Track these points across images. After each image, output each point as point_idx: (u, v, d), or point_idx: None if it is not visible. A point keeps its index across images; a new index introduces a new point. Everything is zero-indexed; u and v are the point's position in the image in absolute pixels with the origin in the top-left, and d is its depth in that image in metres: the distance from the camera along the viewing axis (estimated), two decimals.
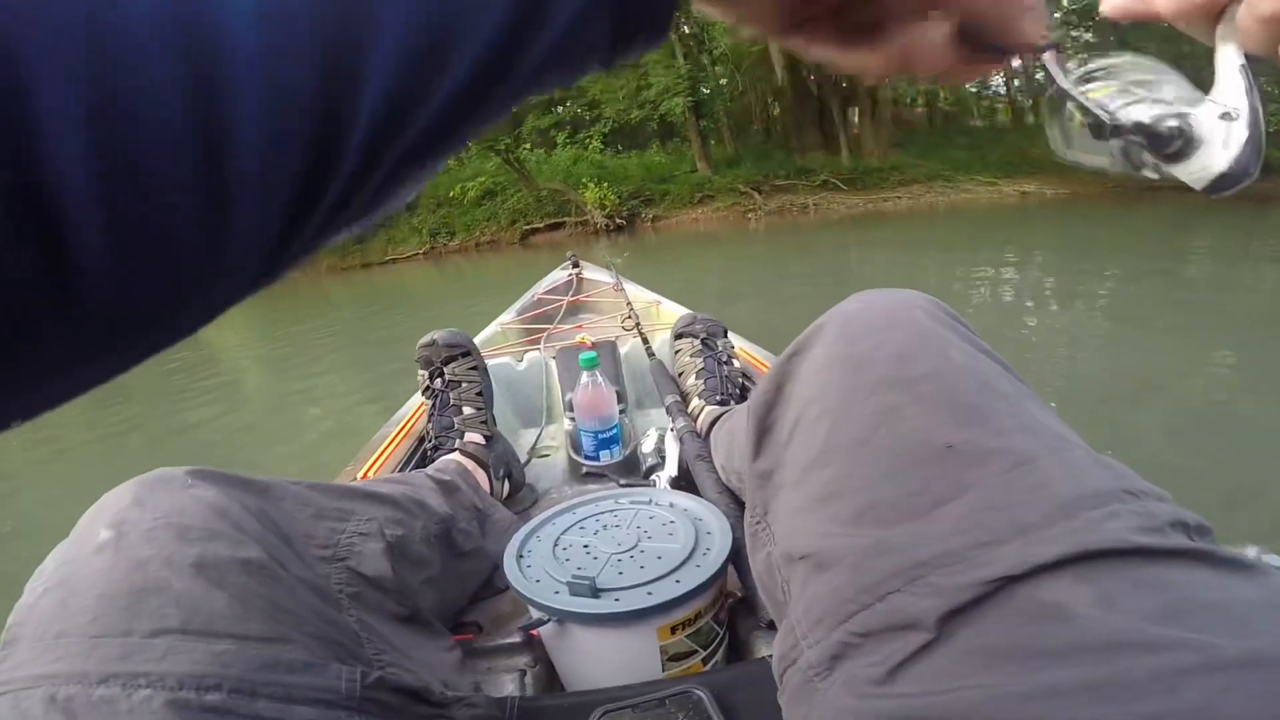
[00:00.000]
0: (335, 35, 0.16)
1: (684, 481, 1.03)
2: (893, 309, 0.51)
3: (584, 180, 15.60)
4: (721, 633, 0.71)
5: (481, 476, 1.05)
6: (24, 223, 0.13)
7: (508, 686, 0.71)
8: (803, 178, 14.86)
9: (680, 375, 1.31)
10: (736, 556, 0.70)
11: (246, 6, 0.15)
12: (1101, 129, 0.33)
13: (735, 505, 0.83)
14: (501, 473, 1.11)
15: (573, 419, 1.26)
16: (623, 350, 1.63)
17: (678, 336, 1.36)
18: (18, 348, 0.14)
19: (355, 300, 10.89)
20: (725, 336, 1.35)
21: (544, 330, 2.03)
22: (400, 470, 1.19)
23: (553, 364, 1.62)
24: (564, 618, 0.66)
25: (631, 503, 0.81)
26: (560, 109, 18.27)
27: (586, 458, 1.23)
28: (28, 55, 0.12)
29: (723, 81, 16.36)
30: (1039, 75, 0.37)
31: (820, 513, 0.44)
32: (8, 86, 0.12)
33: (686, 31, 15.10)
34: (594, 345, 1.52)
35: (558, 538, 0.75)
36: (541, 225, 15.80)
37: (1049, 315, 4.87)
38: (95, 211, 0.14)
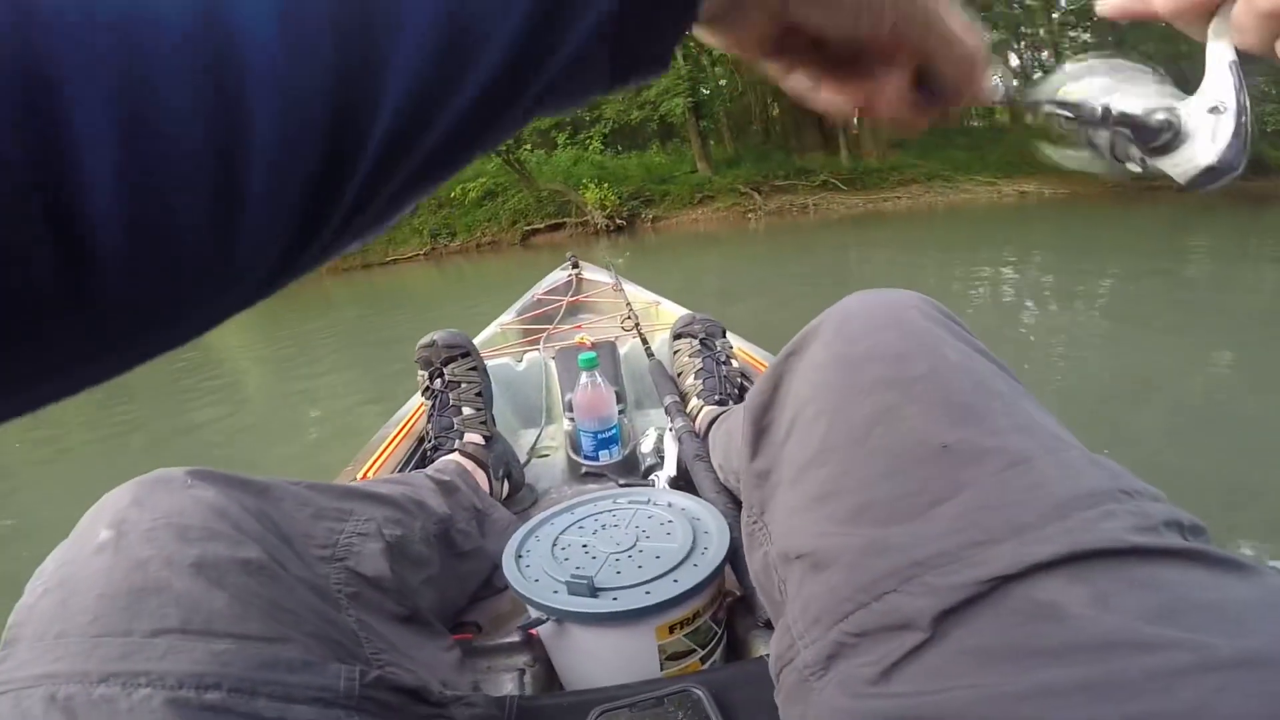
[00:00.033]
0: (354, 53, 0.17)
1: (683, 481, 1.03)
2: (889, 309, 0.51)
3: (584, 181, 15.61)
4: (719, 632, 0.71)
5: (481, 477, 1.05)
6: (49, 230, 0.13)
7: (507, 686, 0.71)
8: (802, 178, 14.86)
9: (679, 375, 1.31)
10: (734, 556, 0.70)
11: (268, 29, 0.15)
12: (1090, 121, 0.34)
13: (733, 505, 0.84)
14: (501, 473, 1.11)
15: (572, 419, 1.26)
16: (622, 350, 1.64)
17: (676, 337, 1.36)
18: (27, 346, 0.15)
19: (356, 301, 10.89)
20: (724, 337, 1.35)
21: (543, 331, 2.03)
22: (400, 470, 1.19)
23: (552, 364, 1.62)
24: (562, 617, 0.66)
25: (630, 502, 0.81)
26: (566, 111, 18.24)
27: (586, 458, 1.23)
28: (65, 79, 0.13)
29: (722, 82, 16.37)
30: (1019, 81, 0.38)
31: (816, 512, 0.45)
32: (46, 110, 0.13)
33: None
34: (593, 346, 1.53)
35: (556, 537, 0.76)
36: (542, 226, 15.81)
37: (1048, 315, 4.87)
38: (117, 220, 0.14)
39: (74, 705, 0.39)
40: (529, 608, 0.69)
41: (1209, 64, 0.31)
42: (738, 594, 0.77)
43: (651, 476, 1.11)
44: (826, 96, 0.37)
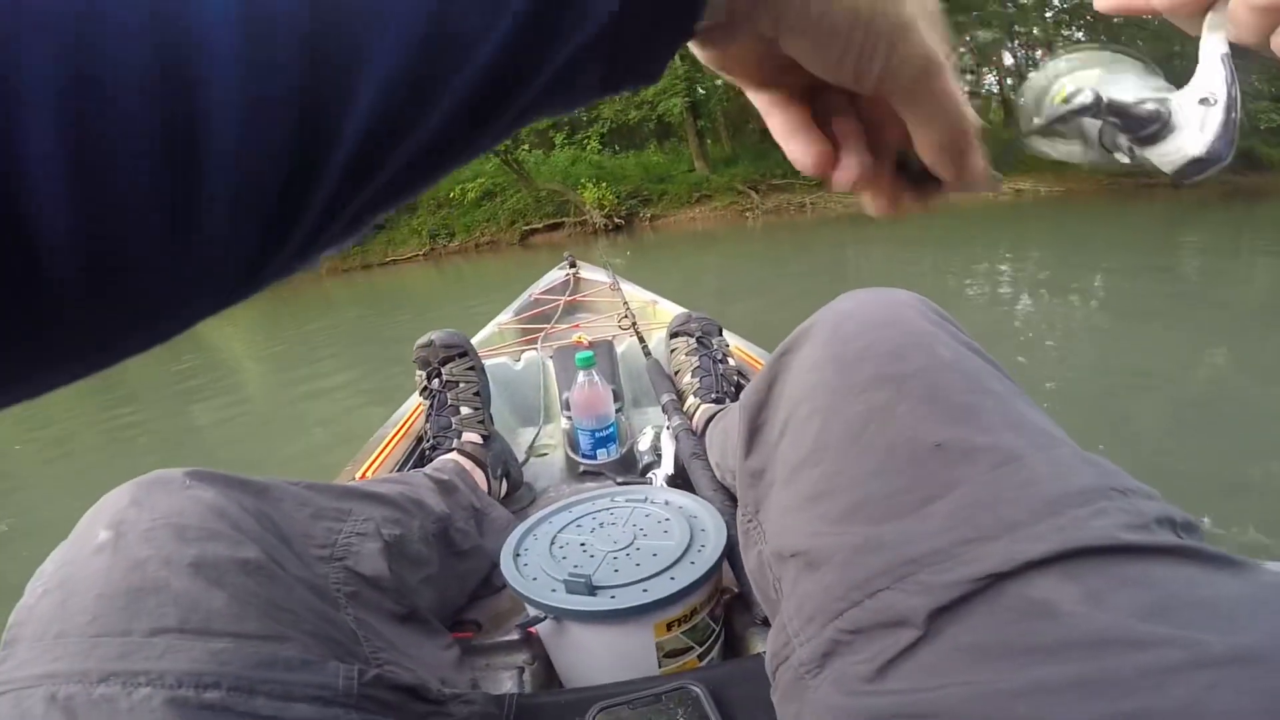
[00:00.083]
0: (324, 59, 0.16)
1: (680, 479, 1.03)
2: (883, 308, 0.51)
3: (582, 180, 15.60)
4: (717, 629, 0.72)
5: (479, 476, 1.05)
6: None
7: (506, 684, 0.71)
8: (799, 176, 14.69)
9: (676, 374, 1.31)
10: (732, 553, 0.70)
11: (227, 32, 0.15)
12: (1080, 110, 0.34)
13: (730, 502, 0.84)
14: (499, 472, 1.12)
15: (569, 418, 1.26)
16: (619, 349, 1.64)
17: (673, 335, 1.37)
18: None
19: (357, 301, 10.90)
20: (720, 335, 1.35)
21: (541, 330, 2.03)
22: (398, 470, 1.19)
23: (550, 363, 1.62)
24: (561, 615, 0.66)
25: (627, 501, 0.81)
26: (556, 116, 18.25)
27: (584, 456, 1.23)
28: (17, 101, 0.13)
29: (719, 81, 16.35)
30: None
31: (810, 511, 0.45)
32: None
33: None
34: (591, 345, 1.53)
35: (554, 536, 0.76)
36: (540, 226, 15.80)
37: (1044, 311, 4.88)
38: (69, 233, 0.14)
39: (74, 705, 0.39)
40: (527, 606, 0.69)
41: (1202, 56, 0.31)
42: (735, 591, 0.77)
43: (649, 475, 1.12)
44: (798, 147, 0.33)
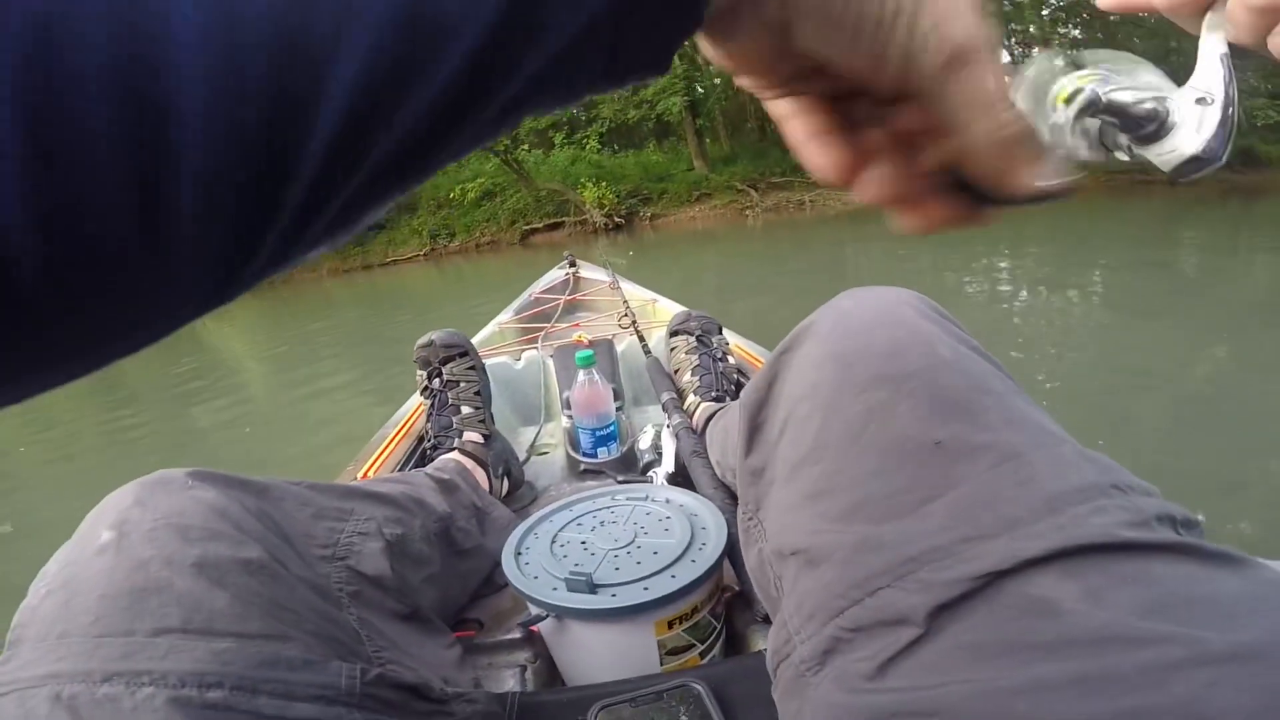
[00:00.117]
0: (292, 54, 0.15)
1: (680, 477, 1.03)
2: (882, 306, 0.51)
3: (582, 180, 15.60)
4: (718, 627, 0.72)
5: (480, 475, 1.05)
6: None
7: (509, 682, 0.71)
8: (798, 175, 14.80)
9: (676, 372, 1.31)
10: (732, 551, 0.70)
11: (190, 15, 0.14)
12: (1083, 110, 0.34)
13: (731, 501, 0.84)
14: (500, 471, 1.12)
15: (570, 417, 1.26)
16: (619, 348, 1.64)
17: (673, 334, 1.37)
18: None
19: (358, 302, 10.91)
20: (720, 333, 1.35)
21: (541, 329, 2.03)
22: (400, 470, 1.19)
23: (550, 362, 1.62)
24: (562, 614, 0.67)
25: (628, 499, 0.81)
26: (557, 109, 18.26)
27: (584, 455, 1.23)
28: None
29: (717, 80, 16.36)
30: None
31: (811, 509, 0.45)
32: None
33: None
34: (591, 343, 1.53)
35: (555, 534, 0.76)
36: (541, 225, 15.81)
37: (1043, 307, 4.88)
38: (33, 246, 0.13)
39: (78, 705, 0.39)
40: (529, 604, 0.69)
41: (1201, 55, 0.31)
42: (736, 589, 0.77)
43: (649, 473, 1.12)
44: (816, 153, 0.30)
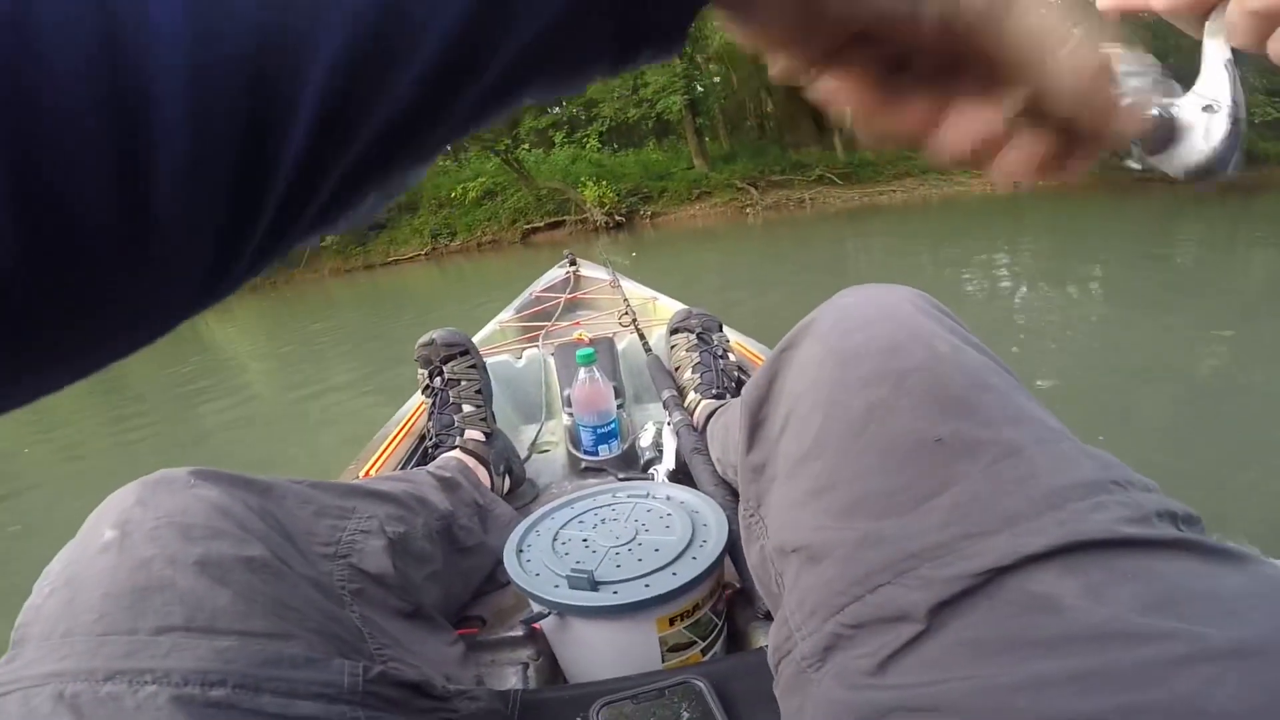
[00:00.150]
0: (270, 41, 0.15)
1: (681, 475, 1.03)
2: (882, 303, 0.51)
3: (583, 179, 15.61)
4: (720, 623, 0.72)
5: (482, 473, 1.05)
6: None
7: (511, 679, 0.71)
8: (798, 172, 14.86)
9: (676, 370, 1.31)
10: (734, 548, 0.70)
11: (173, 33, 0.14)
12: None
13: (732, 498, 0.84)
14: (502, 469, 1.12)
15: (571, 414, 1.26)
16: (620, 346, 1.64)
17: (674, 332, 1.37)
18: None
19: (359, 302, 10.92)
20: (720, 331, 1.35)
21: (542, 327, 2.04)
22: (402, 468, 1.19)
23: (551, 361, 1.63)
24: (564, 611, 0.67)
25: (629, 496, 0.81)
26: (557, 109, 18.30)
27: (585, 453, 1.23)
28: None
29: (716, 79, 16.36)
30: None
31: (812, 506, 0.45)
32: None
33: None
34: (591, 341, 1.53)
35: (557, 532, 0.76)
36: (542, 224, 15.82)
37: (1043, 303, 4.88)
38: (10, 240, 0.13)
39: (81, 703, 0.40)
40: (531, 602, 0.69)
41: (1205, 61, 0.31)
42: (737, 586, 0.77)
43: (650, 470, 1.12)
44: (883, 122, 0.28)
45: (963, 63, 0.26)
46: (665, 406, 1.18)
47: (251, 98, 0.15)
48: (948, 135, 0.27)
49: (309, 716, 0.45)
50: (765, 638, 0.67)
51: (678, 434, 1.07)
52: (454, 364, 1.16)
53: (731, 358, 1.31)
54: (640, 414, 1.57)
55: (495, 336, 2.13)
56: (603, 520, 0.77)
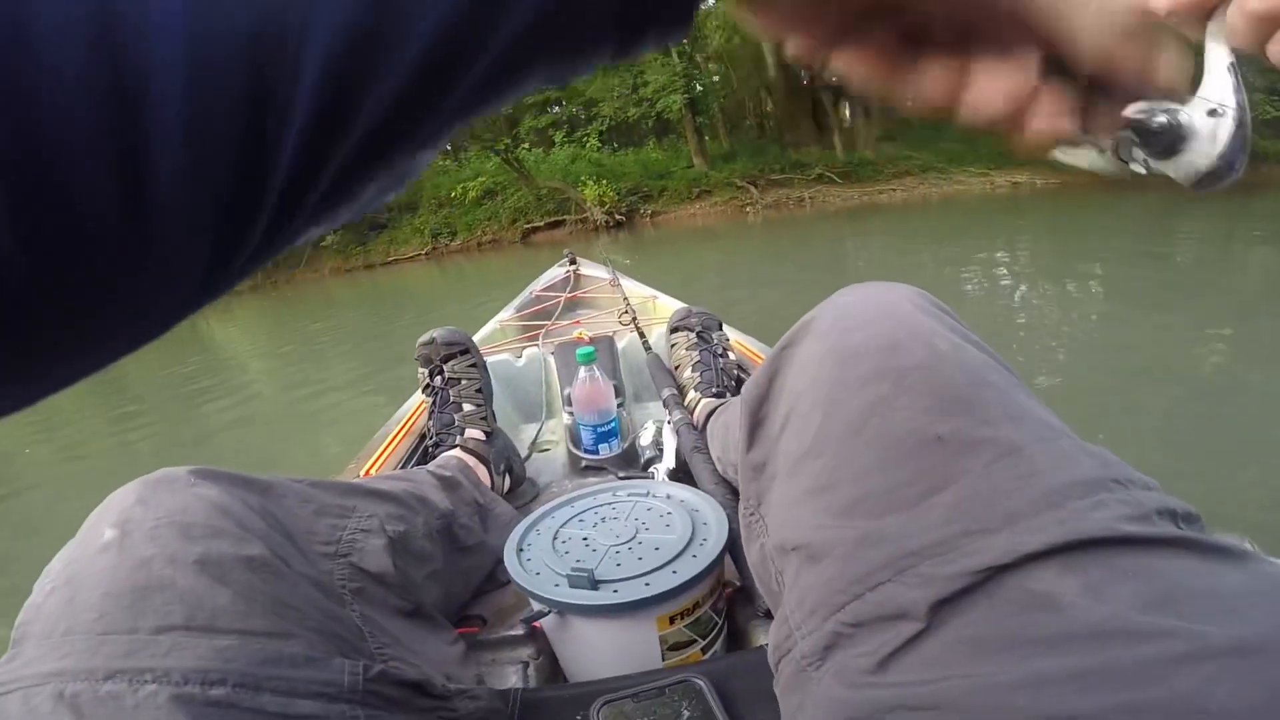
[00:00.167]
0: (265, 33, 0.15)
1: (681, 473, 1.03)
2: (882, 301, 0.51)
3: (582, 178, 15.63)
4: (720, 622, 0.72)
5: (482, 472, 1.05)
6: None
7: (511, 678, 0.71)
8: (798, 171, 14.87)
9: (676, 368, 1.31)
10: (734, 547, 0.70)
11: (175, 38, 0.14)
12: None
13: (732, 496, 0.84)
14: (502, 468, 1.12)
15: (571, 413, 1.26)
16: (620, 345, 1.64)
17: (673, 330, 1.37)
18: None
19: (360, 301, 10.93)
20: (720, 330, 1.35)
21: (542, 326, 2.04)
22: (402, 467, 1.19)
23: (551, 360, 1.63)
24: (564, 610, 0.67)
25: (629, 495, 0.81)
26: (557, 108, 18.31)
27: (586, 451, 1.23)
28: None
29: (716, 78, 16.37)
30: None
31: (812, 504, 0.45)
32: None
33: None
34: (591, 340, 1.53)
35: (557, 531, 0.76)
36: (542, 223, 15.84)
37: (1043, 301, 4.88)
38: (14, 247, 0.13)
39: (81, 702, 0.40)
40: (531, 601, 0.70)
41: (1208, 65, 0.31)
42: (737, 584, 0.77)
43: (651, 469, 1.12)
44: (912, 91, 0.28)
45: (980, 26, 0.26)
46: (665, 405, 1.18)
47: (249, 92, 0.15)
48: (977, 97, 0.28)
49: (309, 715, 0.45)
50: (765, 636, 0.67)
51: (678, 433, 1.07)
52: (454, 363, 1.16)
53: (731, 356, 1.31)
54: (640, 413, 1.57)
55: (495, 335, 2.13)
56: (603, 519, 0.77)
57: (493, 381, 1.25)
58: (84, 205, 0.14)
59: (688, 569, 0.66)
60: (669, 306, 2.04)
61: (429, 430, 1.16)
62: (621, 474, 1.17)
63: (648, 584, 0.65)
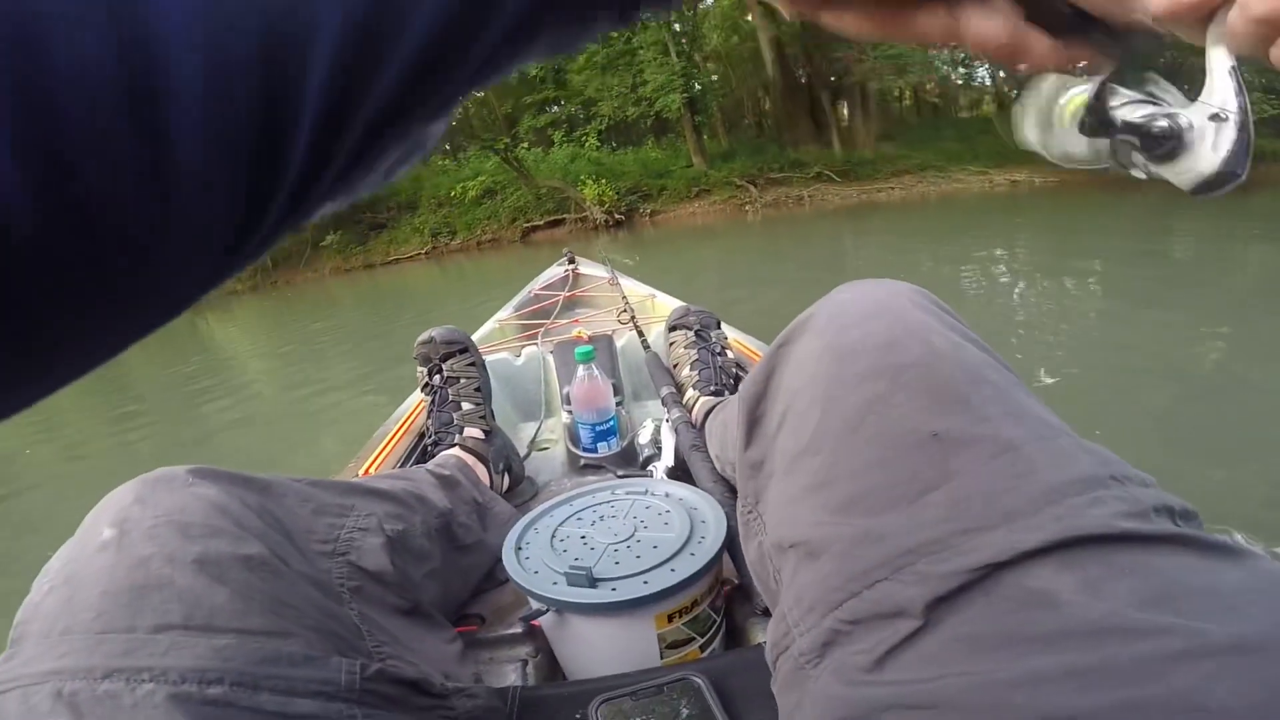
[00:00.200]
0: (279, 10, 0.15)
1: (680, 471, 1.03)
2: (880, 299, 0.51)
3: (582, 177, 15.65)
4: (718, 620, 0.72)
5: (481, 471, 1.05)
6: None
7: (510, 676, 0.71)
8: (796, 170, 14.88)
9: (675, 367, 1.31)
10: (732, 545, 0.70)
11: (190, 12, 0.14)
12: (1093, 126, 0.33)
13: (730, 494, 0.84)
14: (501, 466, 1.12)
15: (570, 412, 1.26)
16: (619, 344, 1.64)
17: (672, 329, 1.37)
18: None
19: (360, 301, 10.95)
20: (718, 328, 1.35)
21: (541, 325, 2.04)
22: (401, 466, 1.19)
23: (550, 358, 1.63)
24: (562, 608, 0.67)
25: (628, 493, 0.81)
26: (556, 108, 18.31)
27: (585, 450, 1.23)
28: None
29: (714, 78, 16.38)
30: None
31: (809, 502, 0.45)
32: None
33: (678, 30, 15.17)
34: (590, 339, 1.53)
35: (555, 529, 0.76)
36: (542, 223, 15.85)
37: (1041, 298, 4.88)
38: (33, 223, 0.13)
39: (79, 701, 0.40)
40: (529, 599, 0.70)
41: (1209, 70, 0.30)
42: (736, 582, 0.77)
43: (649, 467, 1.12)
44: (916, 30, 0.31)
45: None
46: (664, 403, 1.18)
47: (266, 61, 0.15)
48: (969, 35, 0.31)
49: (306, 714, 0.45)
50: (763, 634, 0.67)
51: (676, 431, 1.07)
52: (453, 362, 1.16)
53: (730, 354, 1.31)
54: (639, 411, 1.57)
55: (494, 334, 2.13)
56: (601, 517, 0.77)
57: (492, 380, 1.25)
58: (100, 171, 0.14)
59: (686, 567, 0.66)
60: (667, 305, 2.04)
61: (428, 429, 1.16)
62: (620, 472, 1.17)
63: (646, 582, 0.65)
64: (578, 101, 17.61)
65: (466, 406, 1.14)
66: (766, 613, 0.70)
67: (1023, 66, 0.32)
